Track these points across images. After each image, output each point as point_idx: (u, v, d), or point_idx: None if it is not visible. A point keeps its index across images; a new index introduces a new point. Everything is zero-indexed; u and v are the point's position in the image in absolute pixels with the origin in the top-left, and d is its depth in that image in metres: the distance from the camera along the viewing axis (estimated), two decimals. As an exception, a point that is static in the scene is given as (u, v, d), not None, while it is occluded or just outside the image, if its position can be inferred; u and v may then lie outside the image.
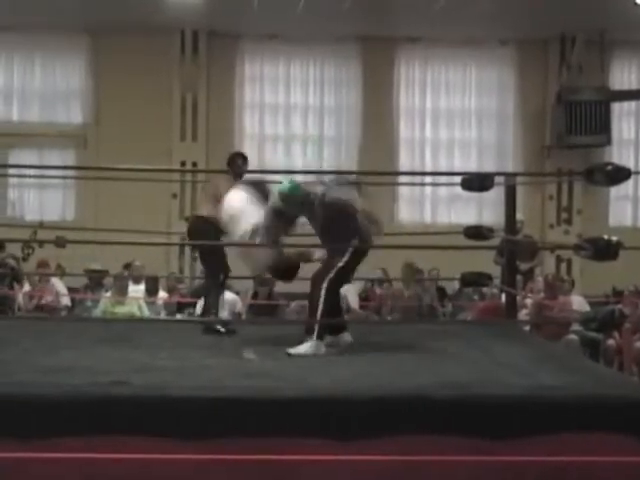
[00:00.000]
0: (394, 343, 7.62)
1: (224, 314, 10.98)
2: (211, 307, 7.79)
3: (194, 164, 16.42)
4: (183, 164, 16.31)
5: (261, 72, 17.23)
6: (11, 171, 14.67)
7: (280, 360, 6.83)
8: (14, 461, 4.89)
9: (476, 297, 13.36)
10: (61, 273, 13.18)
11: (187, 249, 15.76)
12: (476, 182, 8.69)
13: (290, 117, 17.27)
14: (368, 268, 12.38)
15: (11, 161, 15.91)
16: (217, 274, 7.84)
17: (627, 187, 16.78)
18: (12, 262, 12.85)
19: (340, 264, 7.04)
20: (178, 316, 12.11)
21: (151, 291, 12.05)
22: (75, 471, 5.01)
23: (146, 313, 11.31)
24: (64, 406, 5.22)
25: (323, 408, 5.27)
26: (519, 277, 10.69)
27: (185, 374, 6.02)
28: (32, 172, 13.91)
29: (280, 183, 7.26)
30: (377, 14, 15.49)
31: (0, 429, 5.09)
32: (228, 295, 11.40)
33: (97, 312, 11.45)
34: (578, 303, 12.45)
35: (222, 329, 7.74)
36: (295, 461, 4.89)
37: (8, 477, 5.01)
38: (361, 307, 12.84)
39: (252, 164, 16.62)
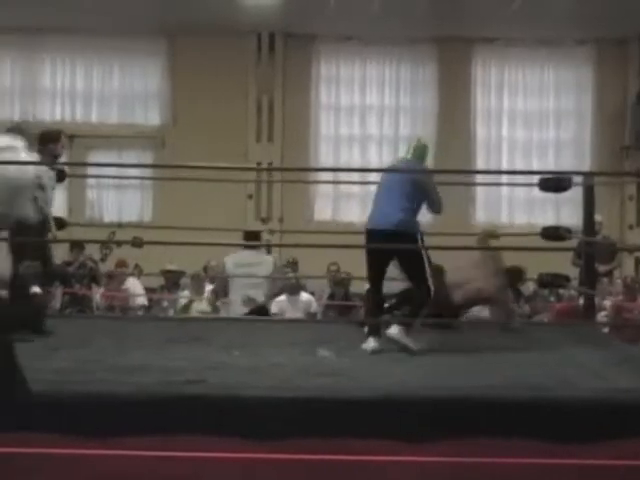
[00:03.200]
0: (468, 344, 7.57)
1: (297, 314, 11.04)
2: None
3: (270, 165, 16.46)
4: (259, 165, 16.36)
5: (337, 73, 17.23)
6: (90, 172, 14.84)
7: (352, 359, 6.82)
8: (91, 458, 4.94)
9: (552, 299, 13.20)
10: (139, 273, 13.31)
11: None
12: (554, 183, 8.58)
13: (365, 118, 17.25)
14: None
15: (90, 162, 16.11)
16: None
17: None
18: (90, 263, 13.00)
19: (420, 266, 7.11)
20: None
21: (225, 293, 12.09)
22: (150, 470, 5.05)
23: (219, 312, 11.35)
24: (139, 405, 5.26)
25: (393, 409, 5.25)
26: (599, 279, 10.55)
27: (258, 373, 6.03)
28: (111, 173, 14.03)
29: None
30: (453, 15, 15.40)
31: (78, 427, 5.15)
32: (303, 295, 11.44)
33: (173, 312, 11.60)
34: (658, 305, 12.25)
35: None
36: (365, 462, 4.87)
37: (85, 474, 5.07)
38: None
39: (327, 165, 16.84)
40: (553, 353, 7.20)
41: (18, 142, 7.12)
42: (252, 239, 10.94)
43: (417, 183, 7.20)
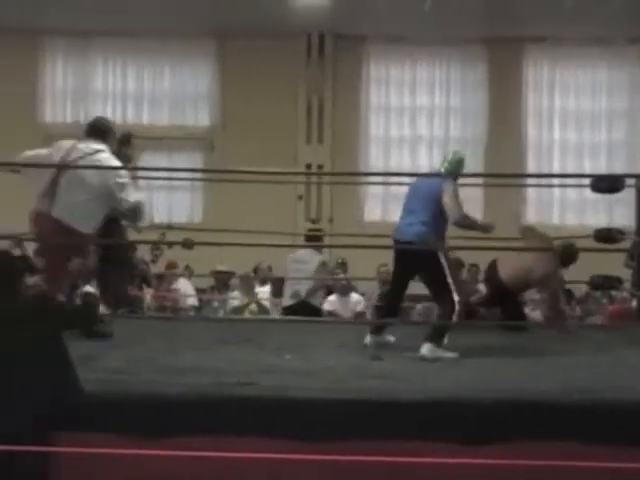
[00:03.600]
0: (520, 346, 7.53)
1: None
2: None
3: (320, 166, 16.44)
4: (309, 166, 16.36)
5: (387, 74, 17.20)
6: (140, 174, 14.92)
7: (403, 361, 6.81)
8: (141, 458, 4.95)
9: (605, 301, 13.07)
10: (189, 274, 13.35)
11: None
12: (606, 184, 8.50)
13: (415, 119, 17.19)
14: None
15: (141, 164, 16.19)
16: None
17: None
18: (142, 265, 13.04)
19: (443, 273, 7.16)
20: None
21: (277, 292, 12.11)
22: (201, 470, 5.06)
23: (269, 313, 11.37)
24: (190, 406, 5.28)
25: (445, 411, 5.23)
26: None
27: (310, 375, 6.03)
28: (161, 175, 14.08)
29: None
30: (503, 14, 15.32)
31: (126, 426, 5.18)
32: (353, 296, 11.44)
33: (223, 313, 11.63)
34: None
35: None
36: (418, 464, 4.84)
37: (135, 474, 5.09)
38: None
39: (377, 166, 16.84)
40: (606, 355, 7.14)
41: (102, 146, 7.16)
42: (313, 240, 11.07)
43: (437, 195, 7.22)
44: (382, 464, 4.85)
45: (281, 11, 14.96)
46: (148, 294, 12.48)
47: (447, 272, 7.12)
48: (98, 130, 7.36)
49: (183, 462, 4.99)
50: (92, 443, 4.94)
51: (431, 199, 7.21)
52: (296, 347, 7.25)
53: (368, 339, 7.48)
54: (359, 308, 11.51)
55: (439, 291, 7.24)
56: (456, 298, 7.07)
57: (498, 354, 7.18)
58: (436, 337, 7.00)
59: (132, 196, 7.12)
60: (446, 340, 7.05)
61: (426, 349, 6.95)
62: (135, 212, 7.15)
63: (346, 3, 14.95)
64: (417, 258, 7.22)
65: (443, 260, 7.13)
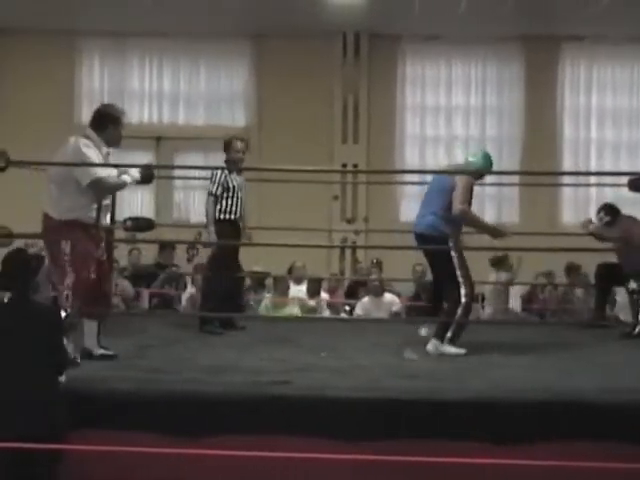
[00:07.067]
0: (557, 346, 7.50)
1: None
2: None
3: (355, 166, 16.39)
4: (344, 166, 16.31)
5: (422, 73, 17.12)
6: (177, 174, 14.99)
7: (438, 361, 6.81)
8: (183, 457, 4.98)
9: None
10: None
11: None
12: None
13: (451, 118, 17.12)
14: (533, 270, 12.22)
15: (177, 164, 16.24)
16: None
17: None
18: (175, 268, 13.07)
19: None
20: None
21: (312, 292, 12.11)
22: (236, 469, 5.08)
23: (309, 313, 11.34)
24: (226, 405, 5.30)
25: (481, 411, 5.22)
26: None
27: (345, 374, 6.04)
28: (197, 174, 14.11)
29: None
30: (540, 12, 15.22)
31: (164, 426, 5.21)
32: (387, 296, 11.42)
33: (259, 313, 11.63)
34: None
35: None
36: (451, 463, 4.83)
37: (177, 472, 5.12)
38: (523, 310, 12.61)
39: (413, 165, 16.79)
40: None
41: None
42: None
43: (450, 186, 7.35)
44: (416, 463, 4.84)
45: (316, 11, 14.94)
46: (183, 295, 12.51)
47: (457, 266, 7.21)
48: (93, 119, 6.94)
49: (219, 461, 5.01)
50: (134, 442, 4.97)
51: (444, 191, 7.35)
52: (332, 347, 7.27)
53: (423, 331, 7.55)
54: (394, 308, 11.47)
55: (446, 285, 7.38)
56: (463, 292, 7.10)
57: (533, 353, 7.17)
58: (440, 333, 7.11)
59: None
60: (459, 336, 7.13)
61: (430, 345, 7.08)
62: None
63: (381, 2, 14.90)
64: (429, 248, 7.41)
65: (454, 254, 7.22)
